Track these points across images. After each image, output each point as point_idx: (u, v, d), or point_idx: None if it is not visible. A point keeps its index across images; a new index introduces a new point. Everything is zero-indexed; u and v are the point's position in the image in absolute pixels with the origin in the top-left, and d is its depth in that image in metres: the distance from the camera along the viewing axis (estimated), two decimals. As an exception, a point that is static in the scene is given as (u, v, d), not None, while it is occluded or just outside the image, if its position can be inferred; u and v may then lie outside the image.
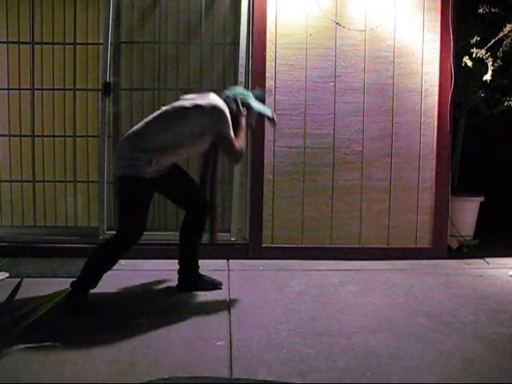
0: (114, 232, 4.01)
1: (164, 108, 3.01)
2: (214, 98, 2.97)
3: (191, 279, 3.21)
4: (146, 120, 2.97)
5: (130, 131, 2.97)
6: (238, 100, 3.03)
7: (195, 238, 3.19)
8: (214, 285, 3.23)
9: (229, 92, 3.11)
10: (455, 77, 3.99)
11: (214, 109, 2.90)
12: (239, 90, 3.17)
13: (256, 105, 3.11)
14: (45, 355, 2.26)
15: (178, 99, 3.09)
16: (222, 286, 3.24)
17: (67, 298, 2.54)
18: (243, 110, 3.04)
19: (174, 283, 3.23)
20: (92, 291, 3.11)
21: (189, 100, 2.98)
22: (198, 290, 3.17)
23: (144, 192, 2.91)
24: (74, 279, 2.88)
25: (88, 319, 2.72)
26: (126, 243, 2.93)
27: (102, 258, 2.94)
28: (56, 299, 1.85)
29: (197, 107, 2.90)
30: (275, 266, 3.76)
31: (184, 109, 2.93)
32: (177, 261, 3.23)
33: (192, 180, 3.19)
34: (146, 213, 2.95)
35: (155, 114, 2.99)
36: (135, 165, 2.83)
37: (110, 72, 4.02)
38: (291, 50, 3.92)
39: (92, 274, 2.89)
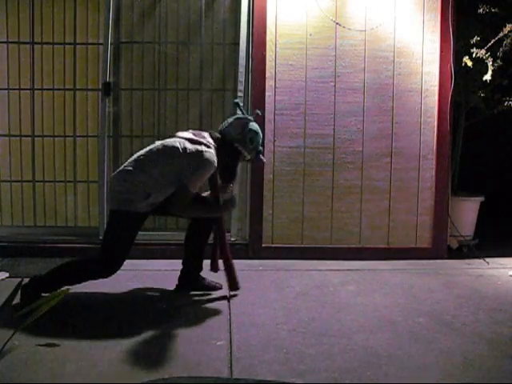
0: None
1: (157, 143, 2.96)
2: (206, 145, 2.88)
3: (192, 280, 3.21)
4: (138, 154, 2.94)
5: (125, 165, 2.92)
6: (240, 147, 2.96)
7: (201, 243, 3.17)
8: (214, 288, 3.21)
9: (231, 129, 2.97)
10: (455, 77, 3.99)
11: (198, 156, 2.82)
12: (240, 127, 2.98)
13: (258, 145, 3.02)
14: (45, 355, 2.26)
15: (173, 135, 3.03)
16: (222, 287, 3.24)
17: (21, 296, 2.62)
18: (246, 153, 2.99)
19: (174, 283, 3.22)
20: (92, 291, 3.12)
21: (181, 139, 2.92)
22: (197, 290, 3.17)
23: (136, 226, 2.90)
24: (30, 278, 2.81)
25: (87, 319, 2.71)
26: (106, 271, 2.85)
27: (73, 274, 2.85)
28: (56, 299, 1.85)
29: (185, 150, 2.84)
30: (275, 265, 3.76)
31: (173, 148, 2.86)
32: (177, 261, 3.23)
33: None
34: (132, 244, 2.93)
35: (148, 148, 2.94)
36: (132, 200, 2.80)
37: (110, 72, 4.02)
38: (291, 50, 3.92)
39: (53, 281, 2.79)
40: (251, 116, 3.07)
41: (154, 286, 3.28)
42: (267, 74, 3.92)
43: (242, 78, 3.98)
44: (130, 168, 2.87)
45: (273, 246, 3.98)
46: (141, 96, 4.15)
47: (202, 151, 2.83)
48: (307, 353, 2.36)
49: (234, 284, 3.10)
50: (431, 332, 2.64)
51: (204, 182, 2.94)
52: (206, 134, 2.98)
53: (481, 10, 3.97)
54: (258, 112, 3.15)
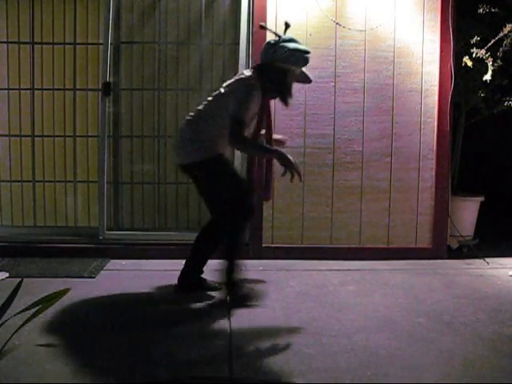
0: (113, 232, 4.07)
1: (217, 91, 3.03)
2: (244, 78, 2.94)
3: (191, 281, 3.20)
4: (198, 108, 3.02)
5: (188, 119, 3.02)
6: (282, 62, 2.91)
7: (209, 248, 3.16)
8: (213, 289, 3.19)
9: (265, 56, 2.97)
10: (455, 77, 3.99)
11: (238, 86, 2.89)
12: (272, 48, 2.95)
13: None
14: (45, 355, 2.26)
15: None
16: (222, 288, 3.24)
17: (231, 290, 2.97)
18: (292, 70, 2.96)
19: (174, 283, 3.22)
20: (92, 291, 3.12)
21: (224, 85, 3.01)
22: (196, 291, 3.16)
23: (228, 161, 3.03)
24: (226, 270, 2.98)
25: (87, 319, 2.71)
26: (246, 213, 2.95)
27: (234, 239, 2.97)
28: (56, 299, 1.85)
29: (226, 88, 2.94)
30: (275, 265, 3.76)
31: (219, 93, 2.98)
32: (177, 261, 3.23)
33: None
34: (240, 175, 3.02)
35: (209, 97, 3.04)
36: (209, 146, 2.91)
37: (110, 72, 4.03)
38: (291, 49, 3.92)
39: (234, 255, 2.98)
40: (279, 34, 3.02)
41: (154, 286, 3.28)
42: (267, 74, 3.91)
43: (242, 77, 3.98)
44: (194, 119, 2.98)
45: (273, 246, 3.98)
46: (141, 96, 4.15)
47: (240, 81, 2.92)
48: (307, 353, 2.36)
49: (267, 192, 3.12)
50: (431, 332, 2.63)
51: (253, 116, 2.94)
52: (244, 71, 3.04)
53: (481, 10, 3.98)
54: (287, 24, 3.06)
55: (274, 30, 3.07)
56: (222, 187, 2.97)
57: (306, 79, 3.09)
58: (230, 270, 2.98)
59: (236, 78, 3.01)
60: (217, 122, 2.93)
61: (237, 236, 2.99)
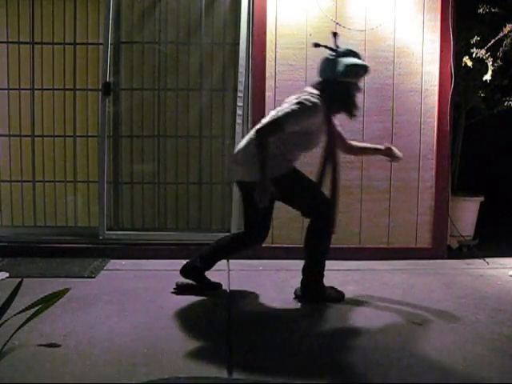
0: (113, 232, 4.07)
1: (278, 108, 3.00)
2: (307, 93, 2.93)
3: (194, 275, 3.18)
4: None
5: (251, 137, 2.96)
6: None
7: (231, 247, 3.22)
8: (214, 287, 3.19)
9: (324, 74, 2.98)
10: (455, 77, 3.99)
11: (298, 99, 2.88)
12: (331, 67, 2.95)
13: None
14: (45, 355, 2.26)
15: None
16: (222, 286, 3.24)
17: (307, 290, 3.03)
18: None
19: (174, 283, 3.22)
20: (92, 291, 3.12)
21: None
22: (197, 287, 3.16)
23: (300, 173, 3.02)
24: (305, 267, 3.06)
25: (88, 319, 2.71)
26: (328, 215, 3.00)
27: (322, 242, 3.03)
28: (56, 299, 1.85)
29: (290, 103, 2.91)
30: (275, 265, 3.76)
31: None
32: (177, 261, 3.24)
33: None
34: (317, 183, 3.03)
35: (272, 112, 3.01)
36: (281, 162, 2.91)
37: (110, 72, 4.03)
38: (291, 49, 3.92)
39: (319, 260, 3.05)
40: (336, 48, 3.03)
41: (154, 286, 3.28)
42: (267, 74, 3.92)
43: (241, 78, 3.98)
44: (252, 139, 2.94)
45: (273, 245, 3.98)
46: (141, 96, 4.15)
47: (301, 96, 2.89)
48: (307, 353, 2.36)
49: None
50: (431, 332, 2.64)
51: (303, 129, 2.90)
52: (306, 88, 3.01)
53: (481, 10, 3.98)
54: (335, 33, 3.09)
55: (325, 44, 3.04)
56: (306, 195, 3.01)
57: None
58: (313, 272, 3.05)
59: (299, 93, 2.96)
60: (281, 138, 2.90)
61: (326, 239, 3.04)
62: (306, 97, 2.87)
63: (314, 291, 3.04)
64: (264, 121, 2.93)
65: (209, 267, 3.20)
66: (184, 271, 3.19)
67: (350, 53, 2.96)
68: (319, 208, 2.99)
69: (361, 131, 3.97)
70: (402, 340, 2.53)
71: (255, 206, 2.85)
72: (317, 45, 3.06)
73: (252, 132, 3.00)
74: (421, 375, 2.19)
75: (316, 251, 3.06)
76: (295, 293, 3.10)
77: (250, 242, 3.22)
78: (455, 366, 2.26)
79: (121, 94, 4.14)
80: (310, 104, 2.84)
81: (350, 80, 2.94)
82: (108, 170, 4.07)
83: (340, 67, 2.90)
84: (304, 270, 3.08)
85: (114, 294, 3.10)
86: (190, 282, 3.19)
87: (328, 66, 2.95)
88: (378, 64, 3.95)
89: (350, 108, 3.00)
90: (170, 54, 4.14)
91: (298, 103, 2.85)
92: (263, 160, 2.80)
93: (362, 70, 2.96)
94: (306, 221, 3.98)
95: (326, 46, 3.01)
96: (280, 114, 2.85)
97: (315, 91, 2.94)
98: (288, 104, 2.91)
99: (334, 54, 2.95)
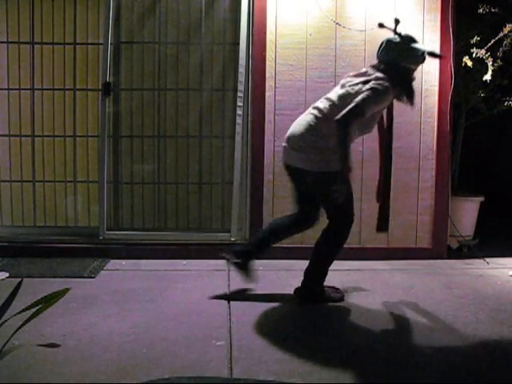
0: (113, 232, 4.07)
1: (330, 96, 2.95)
2: (376, 77, 2.88)
3: (244, 255, 3.15)
4: (312, 113, 2.93)
5: (312, 118, 2.91)
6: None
7: (284, 229, 3.20)
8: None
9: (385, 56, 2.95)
10: (455, 77, 3.99)
11: (377, 83, 2.83)
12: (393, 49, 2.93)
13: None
14: (45, 355, 2.26)
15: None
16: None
17: (307, 290, 3.02)
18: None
19: (174, 283, 3.22)
20: (92, 291, 3.12)
21: (348, 83, 2.94)
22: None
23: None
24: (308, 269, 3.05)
25: (88, 319, 2.72)
26: (347, 229, 3.02)
27: (332, 249, 3.04)
28: (56, 299, 1.85)
29: (354, 89, 2.87)
30: (275, 265, 3.76)
31: (345, 93, 2.89)
32: (177, 261, 3.23)
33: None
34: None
35: (319, 104, 2.95)
36: (331, 159, 2.85)
37: (110, 72, 4.03)
38: (291, 49, 3.92)
39: (324, 263, 3.05)
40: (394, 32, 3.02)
41: (154, 286, 3.28)
42: (267, 74, 3.92)
43: (241, 78, 3.98)
44: (316, 123, 2.88)
45: (273, 246, 3.97)
46: (141, 96, 4.15)
47: (375, 81, 2.84)
48: (307, 353, 2.36)
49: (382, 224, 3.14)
50: (431, 332, 2.64)
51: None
52: (368, 70, 2.97)
53: (481, 10, 3.97)
54: (397, 20, 3.06)
55: (391, 27, 3.03)
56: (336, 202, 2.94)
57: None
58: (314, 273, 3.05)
59: (365, 77, 2.91)
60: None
61: (338, 245, 3.05)
62: (379, 81, 2.84)
63: (314, 291, 3.04)
64: (345, 110, 2.76)
65: (261, 252, 3.17)
66: (235, 252, 3.15)
67: (413, 39, 2.96)
68: (343, 219, 3.01)
69: (361, 131, 3.96)
70: (402, 340, 2.53)
71: (307, 192, 2.93)
72: (381, 25, 3.05)
73: (309, 118, 2.92)
74: (420, 375, 2.19)
75: (324, 255, 3.07)
76: (295, 292, 3.10)
77: (304, 226, 3.17)
78: (455, 366, 2.26)
79: (121, 94, 4.14)
80: (383, 89, 2.83)
81: (412, 66, 2.95)
82: (108, 170, 4.07)
83: (406, 51, 2.91)
84: (307, 271, 3.07)
85: (113, 294, 3.10)
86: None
87: (394, 49, 2.92)
88: (378, 64, 3.94)
89: (411, 94, 2.99)
90: (170, 53, 4.14)
91: (373, 89, 2.80)
92: (346, 149, 2.79)
93: (423, 57, 2.97)
94: (306, 221, 4.00)
95: (390, 29, 3.01)
96: (358, 101, 2.76)
97: (381, 74, 2.89)
98: (351, 88, 2.85)
99: (399, 38, 2.94)
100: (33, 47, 4.12)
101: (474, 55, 3.92)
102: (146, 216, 4.20)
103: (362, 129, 2.98)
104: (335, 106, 2.87)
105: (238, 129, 4.01)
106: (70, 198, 4.22)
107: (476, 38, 3.95)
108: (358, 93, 2.83)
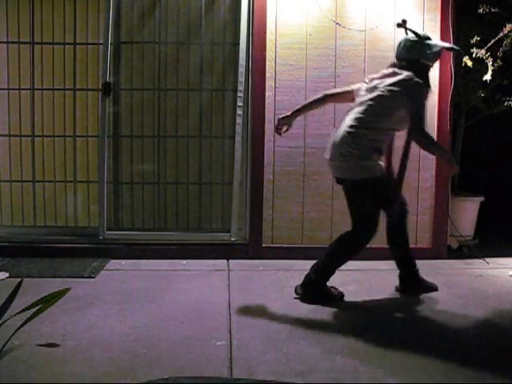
0: (113, 232, 4.07)
1: (369, 96, 2.98)
2: (407, 74, 2.93)
3: (411, 282, 3.21)
4: (353, 117, 2.94)
5: (345, 130, 2.93)
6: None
7: (400, 239, 3.24)
8: (431, 289, 3.19)
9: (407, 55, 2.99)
10: (455, 77, 3.99)
11: (413, 84, 2.89)
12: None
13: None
14: (45, 355, 2.26)
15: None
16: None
17: (307, 287, 3.00)
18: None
19: (174, 283, 3.22)
20: (92, 291, 3.12)
21: (381, 86, 2.96)
22: (420, 293, 3.15)
23: (385, 183, 3.00)
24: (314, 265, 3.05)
25: (88, 319, 2.71)
26: (368, 236, 3.01)
27: (341, 253, 3.07)
28: (56, 299, 1.85)
29: (392, 90, 2.91)
30: (275, 265, 3.76)
31: (382, 96, 2.93)
32: (177, 261, 3.22)
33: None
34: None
35: (358, 109, 2.97)
36: (375, 164, 2.90)
37: (110, 72, 4.03)
38: (291, 49, 3.92)
39: (333, 265, 3.05)
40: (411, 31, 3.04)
41: (154, 286, 3.28)
42: (267, 74, 3.92)
43: (241, 78, 3.98)
44: (357, 130, 2.90)
45: (273, 245, 3.98)
46: (141, 96, 4.15)
47: (409, 81, 2.90)
48: (307, 353, 2.36)
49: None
50: (431, 332, 2.64)
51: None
52: (394, 69, 3.00)
53: (481, 10, 3.97)
54: (401, 23, 3.10)
55: (408, 26, 3.06)
56: (371, 207, 3.00)
57: None
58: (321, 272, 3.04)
59: (396, 77, 2.95)
60: (384, 124, 2.91)
61: (354, 249, 3.07)
62: (414, 79, 2.89)
63: (314, 290, 3.04)
64: (413, 123, 2.89)
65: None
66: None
67: (430, 38, 3.02)
68: (368, 224, 3.01)
69: (361, 131, 3.96)
70: (402, 340, 2.53)
71: (360, 200, 2.95)
72: (400, 25, 3.08)
73: (346, 129, 2.93)
74: (420, 375, 2.18)
75: (337, 255, 3.08)
76: (296, 291, 3.10)
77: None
78: (455, 366, 2.26)
79: (121, 94, 4.13)
80: (421, 84, 2.91)
81: (431, 63, 3.01)
82: (108, 170, 4.07)
83: (426, 50, 2.96)
84: (315, 269, 3.05)
85: (113, 294, 3.10)
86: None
87: (414, 47, 2.97)
88: (377, 64, 3.93)
89: (429, 90, 3.02)
90: (170, 53, 4.14)
91: (421, 91, 2.89)
92: (441, 149, 3.10)
93: (439, 56, 3.05)
94: (306, 222, 4.01)
95: (409, 29, 3.04)
96: (417, 107, 2.86)
97: (409, 72, 2.93)
98: (405, 95, 2.88)
99: (416, 37, 2.99)
100: (33, 47, 4.12)
101: (474, 55, 3.91)
102: (146, 216, 4.20)
103: (391, 132, 3.06)
104: (373, 110, 2.92)
105: (238, 129, 4.01)
106: (69, 198, 4.22)
107: (476, 38, 3.95)
108: (396, 94, 2.89)
